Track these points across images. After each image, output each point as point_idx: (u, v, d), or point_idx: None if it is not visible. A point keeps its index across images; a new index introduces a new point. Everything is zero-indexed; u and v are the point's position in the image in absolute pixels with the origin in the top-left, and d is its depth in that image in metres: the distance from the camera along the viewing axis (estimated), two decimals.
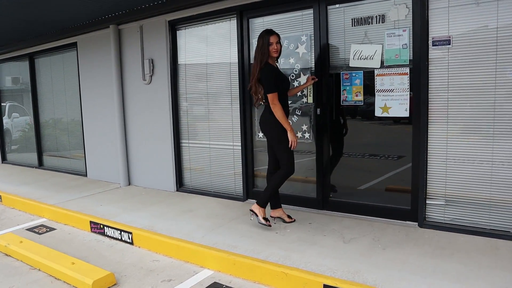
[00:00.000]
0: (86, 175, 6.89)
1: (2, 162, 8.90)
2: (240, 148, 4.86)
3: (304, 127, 4.34)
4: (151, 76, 5.54)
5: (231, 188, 5.06)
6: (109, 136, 6.21)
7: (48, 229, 4.71)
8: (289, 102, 4.38)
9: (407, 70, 3.67)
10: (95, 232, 4.48)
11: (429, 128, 3.61)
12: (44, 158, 7.93)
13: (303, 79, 4.28)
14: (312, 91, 4.15)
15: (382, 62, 3.80)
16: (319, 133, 4.20)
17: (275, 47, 3.66)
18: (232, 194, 5.02)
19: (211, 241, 3.65)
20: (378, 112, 3.85)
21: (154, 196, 5.41)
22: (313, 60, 4.17)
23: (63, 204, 5.21)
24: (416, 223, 3.72)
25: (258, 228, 3.88)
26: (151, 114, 5.65)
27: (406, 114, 3.71)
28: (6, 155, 8.94)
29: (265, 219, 3.78)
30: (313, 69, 4.18)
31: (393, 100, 3.76)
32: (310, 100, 4.20)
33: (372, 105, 3.89)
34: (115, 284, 3.29)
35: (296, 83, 4.35)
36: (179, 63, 5.38)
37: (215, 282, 3.20)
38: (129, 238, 4.14)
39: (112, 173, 6.26)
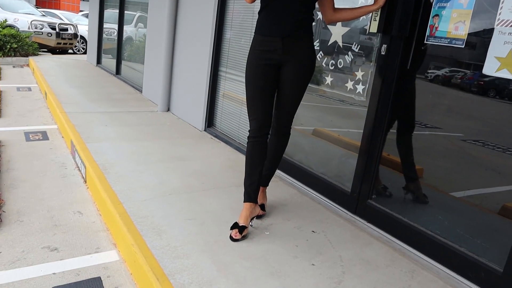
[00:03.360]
0: (141, 92, 6.12)
1: (96, 65, 8.80)
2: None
3: (359, 74, 2.58)
4: None
5: None
6: (161, 53, 5.18)
7: (41, 138, 4.01)
8: (346, 29, 2.65)
9: None
10: (72, 154, 3.59)
11: None
12: (122, 67, 7.45)
13: None
14: (379, 14, 2.32)
15: None
16: (378, 87, 2.41)
17: None
18: None
19: (144, 212, 2.37)
20: (489, 68, 1.91)
21: (174, 130, 4.28)
22: None
23: (79, 115, 4.46)
24: None
25: (231, 214, 2.45)
26: (196, 32, 4.38)
27: None
28: (101, 59, 8.78)
29: (234, 224, 2.24)
30: None
31: None
32: (374, 27, 2.36)
33: (482, 49, 1.95)
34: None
35: (361, 0, 2.55)
36: None
37: (97, 278, 1.97)
38: (83, 174, 3.12)
39: (159, 95, 5.30)
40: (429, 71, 2.24)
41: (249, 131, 2.27)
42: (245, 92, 2.26)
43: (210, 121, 4.31)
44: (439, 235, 2.14)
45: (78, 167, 3.31)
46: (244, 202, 2.28)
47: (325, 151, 2.93)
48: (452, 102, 2.17)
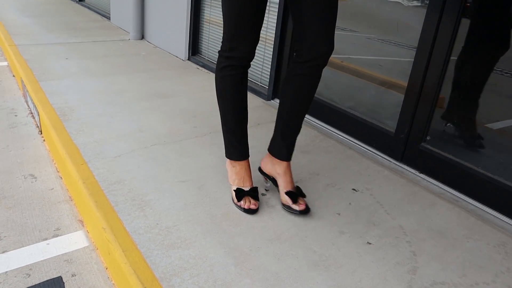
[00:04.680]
0: (109, 19, 5.17)
1: None
2: (277, 8, 2.53)
3: None
4: None
5: (256, 76, 2.91)
6: None
7: None
8: None
9: None
10: (24, 97, 2.83)
11: None
12: None
13: None
14: None
15: None
16: None
17: None
18: (256, 83, 2.88)
19: (119, 174, 1.69)
20: None
21: (151, 61, 3.48)
22: None
23: (32, 47, 3.59)
24: None
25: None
26: None
27: None
28: None
29: (239, 192, 1.54)
30: None
31: None
32: None
33: None
34: None
35: None
36: None
37: (57, 278, 1.34)
38: (38, 122, 2.38)
39: (130, 20, 4.41)
40: None
41: (225, 56, 1.44)
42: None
43: (194, 48, 3.52)
44: None
45: (31, 113, 2.57)
46: (238, 160, 1.56)
47: (352, 80, 2.24)
48: None
